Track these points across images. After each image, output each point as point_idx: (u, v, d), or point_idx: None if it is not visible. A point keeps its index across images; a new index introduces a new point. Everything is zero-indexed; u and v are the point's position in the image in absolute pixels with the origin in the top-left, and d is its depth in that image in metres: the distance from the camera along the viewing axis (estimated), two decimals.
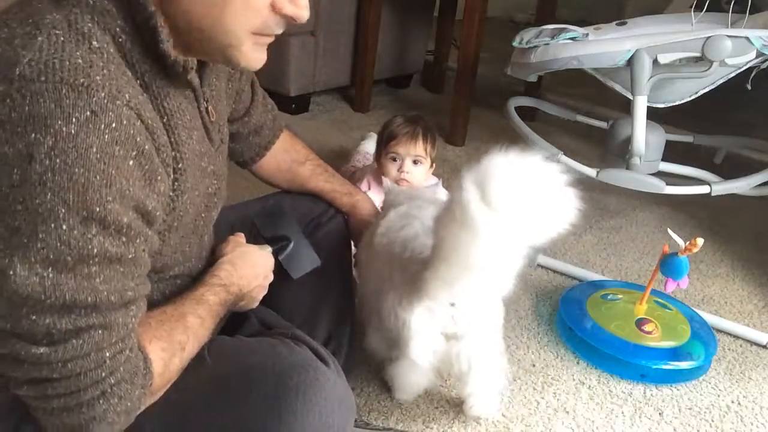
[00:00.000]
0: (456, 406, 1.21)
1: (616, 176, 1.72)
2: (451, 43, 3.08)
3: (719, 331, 1.49)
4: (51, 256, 0.57)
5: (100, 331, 0.62)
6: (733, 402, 1.29)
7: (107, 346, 0.62)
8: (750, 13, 1.77)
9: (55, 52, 0.58)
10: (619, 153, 1.84)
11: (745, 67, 1.63)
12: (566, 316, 1.42)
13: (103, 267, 0.61)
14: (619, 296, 1.48)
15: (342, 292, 1.14)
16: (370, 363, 1.30)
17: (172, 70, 0.69)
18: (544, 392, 1.28)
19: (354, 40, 2.69)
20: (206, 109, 0.80)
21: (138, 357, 0.67)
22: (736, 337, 1.49)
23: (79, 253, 0.58)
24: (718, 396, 1.31)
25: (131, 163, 0.61)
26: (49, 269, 0.57)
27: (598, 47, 1.69)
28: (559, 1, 2.70)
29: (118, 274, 0.62)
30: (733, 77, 1.67)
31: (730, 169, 1.93)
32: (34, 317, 0.58)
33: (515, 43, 1.82)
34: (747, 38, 1.54)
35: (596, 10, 3.58)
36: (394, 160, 1.63)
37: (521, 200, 0.78)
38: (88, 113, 0.57)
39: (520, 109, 2.12)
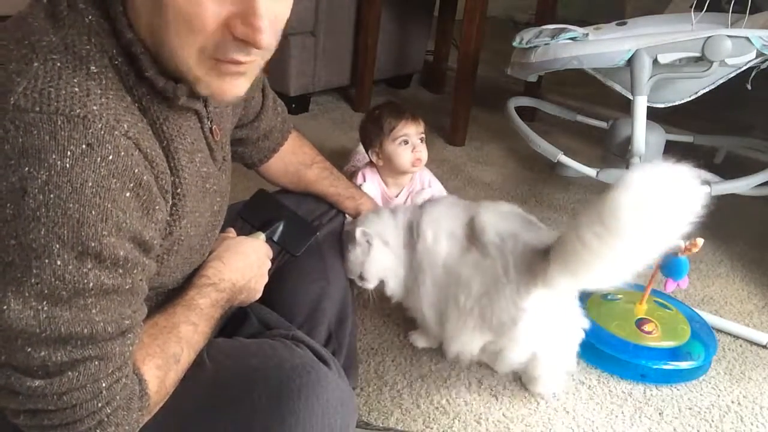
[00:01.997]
0: (456, 407, 1.22)
1: (616, 176, 1.71)
2: (451, 43, 3.08)
3: (719, 331, 1.48)
4: (45, 291, 0.56)
5: (96, 362, 0.61)
6: (733, 402, 1.29)
7: (104, 377, 0.61)
8: (750, 13, 1.77)
9: (51, 79, 0.56)
10: (619, 153, 1.84)
11: (745, 67, 1.63)
12: None
13: (99, 298, 0.59)
14: (619, 296, 1.48)
15: (342, 292, 1.14)
16: (370, 363, 1.30)
17: (165, 95, 0.67)
18: None
19: (354, 40, 2.69)
20: (210, 129, 0.78)
21: (134, 381, 0.66)
22: (736, 337, 1.49)
23: (74, 287, 0.57)
24: (718, 396, 1.31)
25: (128, 194, 0.59)
26: (44, 303, 0.56)
27: (598, 47, 1.69)
28: (559, 1, 2.70)
29: (114, 304, 0.61)
30: (733, 77, 1.68)
31: (730, 169, 1.93)
32: (29, 350, 0.57)
33: (515, 43, 1.83)
34: (747, 38, 1.54)
35: (596, 10, 3.58)
36: (406, 143, 1.63)
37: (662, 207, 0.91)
38: (84, 146, 0.55)
39: (520, 109, 2.13)
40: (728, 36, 1.54)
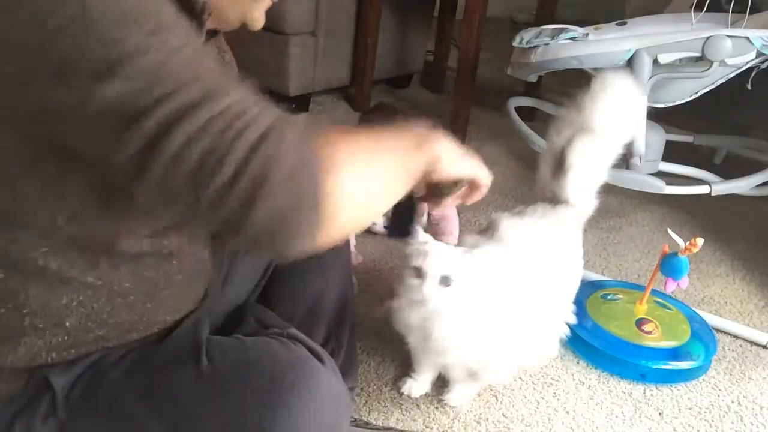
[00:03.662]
0: (456, 407, 1.21)
1: (616, 176, 1.72)
2: (451, 43, 3.08)
3: (719, 331, 1.48)
4: (131, 74, 0.54)
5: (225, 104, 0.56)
6: (733, 402, 1.29)
7: (241, 112, 0.56)
8: (750, 13, 1.77)
9: None
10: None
11: (745, 67, 1.63)
12: None
13: (187, 54, 0.58)
14: (619, 296, 1.48)
15: (342, 292, 1.14)
16: (371, 363, 1.30)
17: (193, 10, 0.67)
18: (544, 392, 1.28)
19: (354, 40, 2.69)
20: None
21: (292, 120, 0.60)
22: (736, 337, 1.49)
23: (157, 60, 0.55)
24: (718, 396, 1.31)
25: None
26: (139, 80, 0.54)
27: (598, 47, 1.69)
28: (559, 1, 2.70)
29: (197, 59, 0.59)
30: (733, 77, 1.67)
31: (730, 169, 1.93)
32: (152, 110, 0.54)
33: (515, 43, 1.82)
34: (747, 38, 1.54)
35: (596, 10, 3.58)
36: None
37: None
38: None
39: (520, 109, 2.13)
40: (728, 36, 1.54)
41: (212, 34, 0.81)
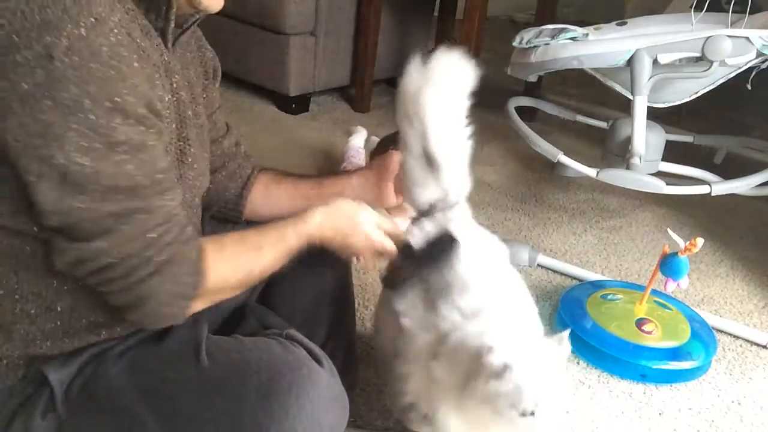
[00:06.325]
0: None
1: (616, 176, 1.72)
2: (452, 42, 3.08)
3: (719, 331, 1.48)
4: (84, 144, 0.63)
5: (143, 215, 0.68)
6: (733, 402, 1.29)
7: (152, 228, 0.69)
8: (750, 13, 1.77)
9: None
10: (619, 153, 1.84)
11: (745, 67, 1.63)
12: (566, 316, 1.42)
13: (132, 155, 0.67)
14: (619, 296, 1.48)
15: (342, 293, 1.14)
16: (370, 363, 1.30)
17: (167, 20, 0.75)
18: None
19: (354, 40, 2.68)
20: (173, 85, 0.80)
21: (189, 247, 0.74)
22: (736, 337, 1.49)
23: (107, 141, 0.64)
24: (718, 396, 1.31)
25: (136, 64, 0.67)
26: (85, 158, 0.64)
27: (598, 47, 1.69)
28: (559, 1, 2.70)
29: (146, 163, 0.68)
30: (733, 77, 1.67)
31: (730, 169, 1.93)
32: (83, 207, 0.65)
33: (515, 43, 1.82)
34: (747, 38, 1.54)
35: (596, 10, 3.58)
36: None
37: None
38: (92, 20, 0.63)
39: (520, 109, 2.12)
40: (728, 36, 1.54)
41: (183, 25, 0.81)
